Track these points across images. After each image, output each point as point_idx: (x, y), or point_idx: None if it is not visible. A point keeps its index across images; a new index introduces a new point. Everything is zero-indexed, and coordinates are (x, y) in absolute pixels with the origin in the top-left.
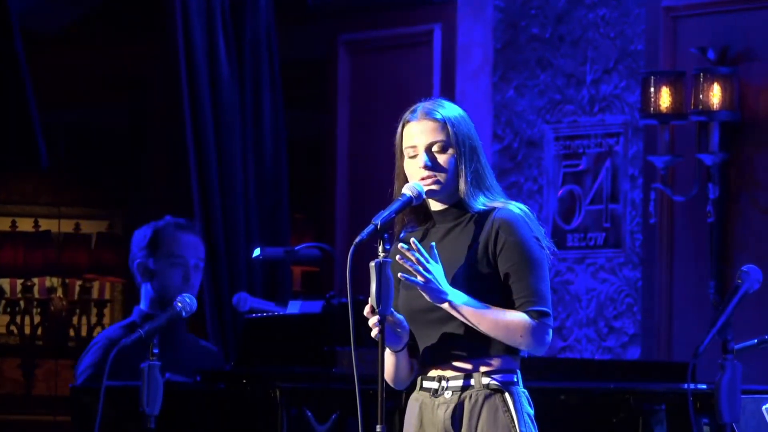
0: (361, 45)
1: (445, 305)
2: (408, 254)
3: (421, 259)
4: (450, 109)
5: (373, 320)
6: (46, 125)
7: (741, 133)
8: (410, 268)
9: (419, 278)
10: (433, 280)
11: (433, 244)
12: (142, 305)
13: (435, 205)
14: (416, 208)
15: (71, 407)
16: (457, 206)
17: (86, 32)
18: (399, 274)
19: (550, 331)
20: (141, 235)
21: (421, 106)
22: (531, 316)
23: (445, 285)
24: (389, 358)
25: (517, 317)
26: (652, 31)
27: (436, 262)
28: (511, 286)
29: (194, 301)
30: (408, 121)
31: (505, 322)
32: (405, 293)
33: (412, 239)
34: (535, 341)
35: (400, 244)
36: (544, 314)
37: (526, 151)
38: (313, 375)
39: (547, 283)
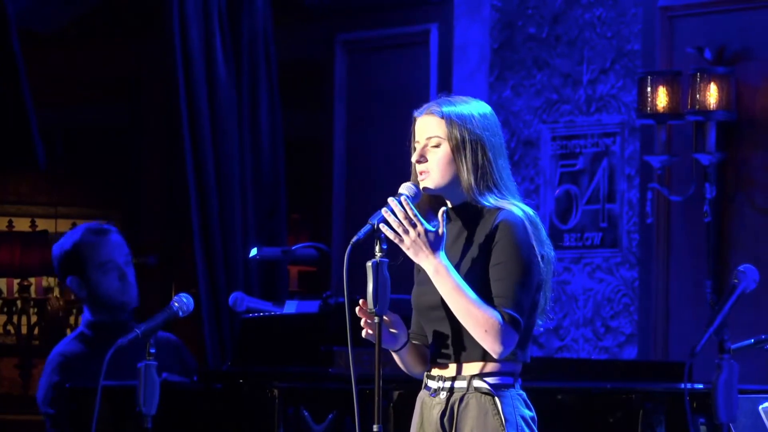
0: (359, 45)
1: (430, 268)
2: (397, 209)
3: (411, 218)
4: (460, 106)
5: (363, 320)
6: (43, 125)
7: (738, 132)
8: (396, 225)
9: (404, 237)
10: (419, 239)
11: (445, 209)
12: (87, 315)
13: (449, 203)
14: (436, 203)
15: (69, 407)
16: (468, 205)
17: (83, 32)
18: (378, 224)
19: (516, 338)
20: (61, 251)
21: (431, 102)
22: (502, 316)
23: (432, 250)
24: (393, 354)
25: (490, 312)
26: (648, 30)
27: (442, 228)
28: (492, 284)
29: (191, 300)
30: (415, 117)
31: (478, 312)
32: (416, 288)
33: (403, 196)
34: (497, 342)
35: (390, 198)
36: (516, 321)
37: (523, 151)
38: (310, 375)
39: (528, 292)
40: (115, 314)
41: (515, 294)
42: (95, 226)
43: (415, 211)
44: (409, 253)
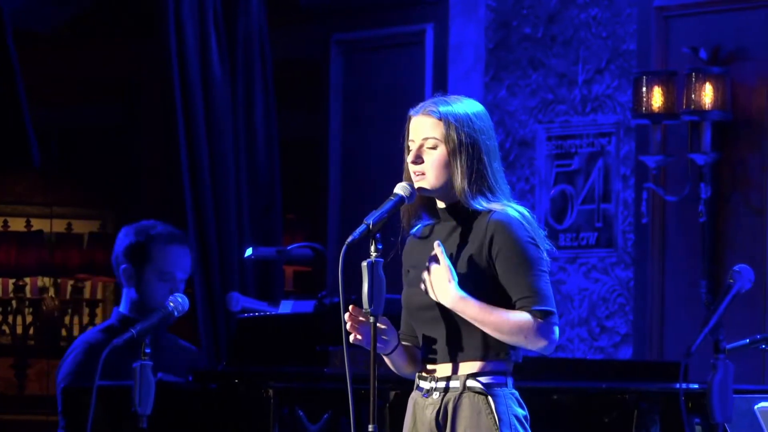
0: (354, 45)
1: (448, 303)
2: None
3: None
4: (456, 106)
5: (349, 324)
6: (38, 125)
7: (733, 132)
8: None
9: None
10: (436, 277)
11: (439, 241)
12: (123, 308)
13: (439, 203)
14: (429, 203)
15: (63, 407)
16: (458, 206)
17: (79, 32)
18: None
19: (557, 329)
20: (129, 238)
21: (427, 102)
22: (535, 316)
23: (449, 287)
24: (384, 357)
25: (521, 317)
26: (643, 30)
27: (444, 259)
28: (510, 288)
29: (186, 300)
30: (411, 116)
31: (510, 322)
32: (407, 290)
33: (436, 242)
34: (541, 341)
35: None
36: (549, 313)
37: (519, 151)
38: (305, 375)
39: (547, 282)
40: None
41: (538, 288)
42: (175, 232)
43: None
44: (434, 292)
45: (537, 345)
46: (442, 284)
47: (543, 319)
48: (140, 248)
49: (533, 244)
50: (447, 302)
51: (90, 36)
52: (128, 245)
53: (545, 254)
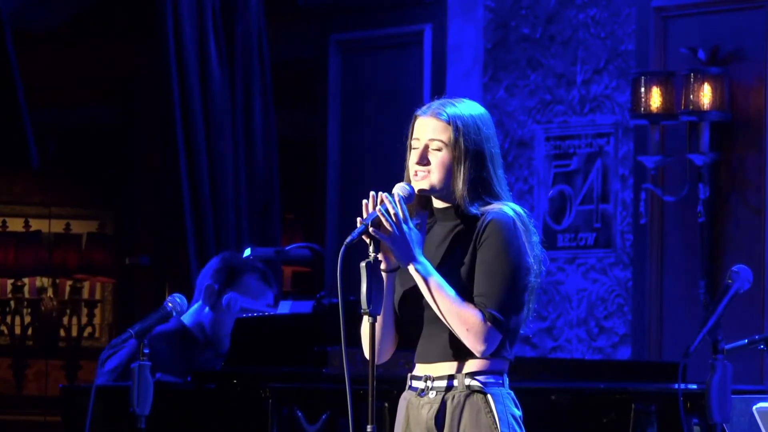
0: (352, 45)
1: (412, 267)
2: (389, 205)
3: (400, 216)
4: (464, 111)
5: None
6: (36, 125)
7: (731, 133)
8: (384, 220)
9: (392, 235)
10: (402, 238)
11: (426, 211)
12: (187, 321)
13: (437, 203)
14: (427, 202)
15: (62, 407)
16: (458, 207)
17: (77, 32)
18: (368, 226)
19: (498, 338)
20: (221, 265)
21: (435, 103)
22: (485, 316)
23: (416, 250)
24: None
25: (472, 311)
26: (642, 31)
27: (420, 231)
28: (476, 281)
29: (185, 300)
30: (418, 116)
31: (459, 310)
32: (399, 290)
33: (397, 196)
34: (479, 341)
35: (384, 194)
36: (497, 320)
37: (517, 152)
38: (304, 375)
39: (514, 292)
40: (207, 342)
41: (499, 293)
42: (264, 276)
43: (405, 211)
44: (395, 252)
45: (475, 344)
46: (410, 246)
47: (490, 321)
48: (226, 274)
49: (518, 251)
50: (407, 262)
51: (89, 36)
52: (218, 270)
53: (531, 261)
